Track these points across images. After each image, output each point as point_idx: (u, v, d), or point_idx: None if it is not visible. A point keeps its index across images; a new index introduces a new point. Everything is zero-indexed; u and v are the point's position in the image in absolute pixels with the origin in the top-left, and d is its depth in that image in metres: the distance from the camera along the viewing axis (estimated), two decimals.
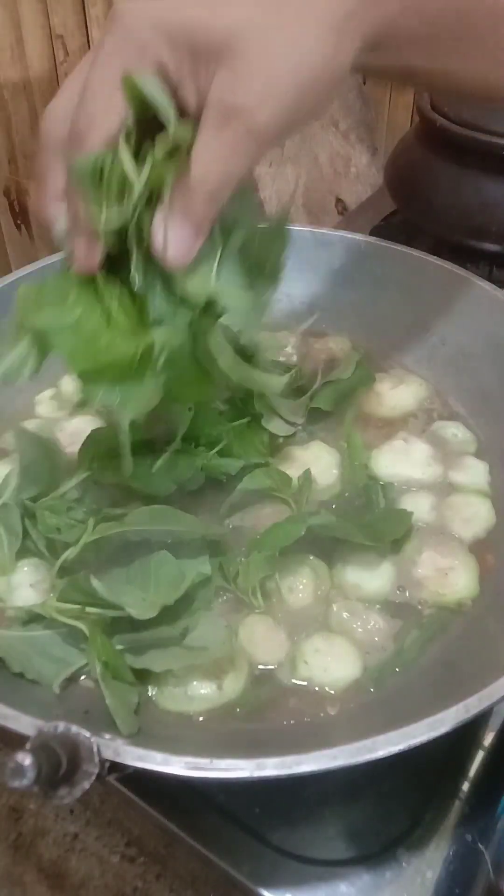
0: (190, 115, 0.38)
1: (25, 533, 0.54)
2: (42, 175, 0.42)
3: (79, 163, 0.38)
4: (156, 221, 0.39)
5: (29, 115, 0.74)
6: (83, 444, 0.57)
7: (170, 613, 0.47)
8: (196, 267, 0.42)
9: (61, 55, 0.75)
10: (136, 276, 0.42)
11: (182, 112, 0.38)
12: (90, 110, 0.38)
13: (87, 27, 0.76)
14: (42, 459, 0.57)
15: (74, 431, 0.63)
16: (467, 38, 0.43)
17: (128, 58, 0.37)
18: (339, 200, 1.12)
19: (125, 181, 0.39)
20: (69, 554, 0.51)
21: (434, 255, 0.71)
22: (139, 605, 0.46)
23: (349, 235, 0.75)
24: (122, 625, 0.46)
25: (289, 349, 0.74)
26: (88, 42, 0.77)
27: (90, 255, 0.42)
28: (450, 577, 0.53)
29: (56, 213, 0.42)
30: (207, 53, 0.36)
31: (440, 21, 0.41)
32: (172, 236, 0.39)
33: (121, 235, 0.41)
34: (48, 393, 0.70)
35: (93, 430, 0.58)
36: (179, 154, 0.38)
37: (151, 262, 0.41)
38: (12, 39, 0.70)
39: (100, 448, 0.57)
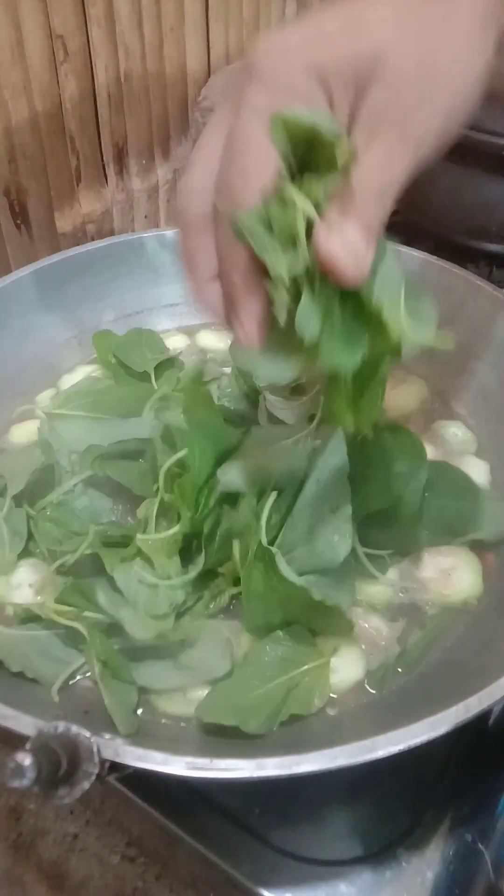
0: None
1: (30, 535, 0.54)
2: (191, 259, 0.40)
3: (245, 216, 0.35)
4: (320, 231, 0.34)
5: (29, 115, 0.74)
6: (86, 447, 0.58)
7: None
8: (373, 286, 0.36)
9: (61, 55, 0.75)
10: (310, 322, 0.36)
11: None
12: (244, 164, 0.35)
13: (87, 27, 0.76)
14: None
15: None
16: None
17: (276, 104, 0.34)
18: None
19: (294, 224, 0.35)
20: (67, 559, 0.51)
21: (434, 255, 0.71)
22: (138, 624, 0.46)
23: None
24: (118, 629, 0.46)
25: None
26: (88, 42, 0.77)
27: (258, 321, 0.37)
28: (453, 578, 0.53)
29: (215, 296, 0.40)
30: (357, 80, 0.34)
31: None
32: (342, 240, 0.34)
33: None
34: (48, 393, 0.70)
35: None
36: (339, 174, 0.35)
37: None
38: (12, 39, 0.69)
39: (101, 449, 0.57)
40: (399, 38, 0.35)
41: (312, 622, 0.48)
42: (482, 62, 0.37)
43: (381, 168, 0.35)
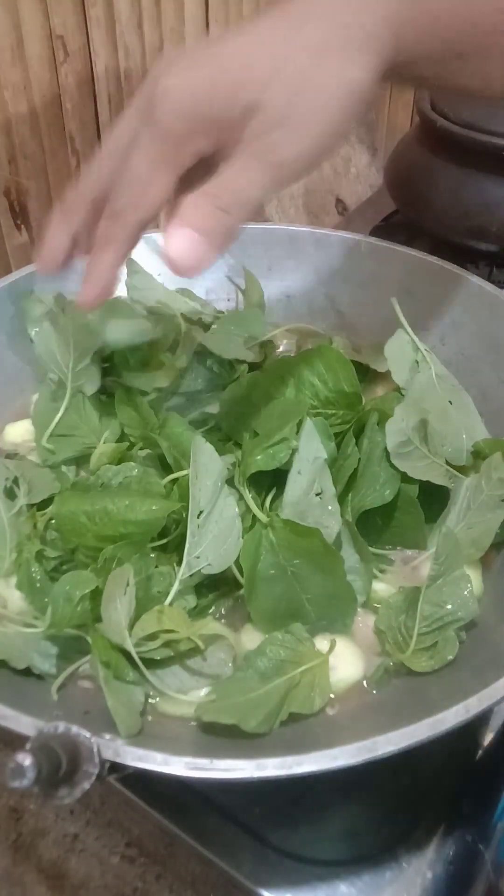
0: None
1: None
2: (67, 210, 0.46)
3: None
4: (170, 225, 0.40)
5: (29, 116, 0.74)
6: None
7: None
8: None
9: (61, 55, 0.75)
10: None
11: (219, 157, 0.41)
12: (133, 192, 0.42)
13: (87, 28, 0.76)
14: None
15: None
16: (481, 50, 0.44)
17: (167, 149, 0.40)
18: (339, 200, 1.12)
19: None
20: (71, 566, 0.51)
21: (434, 255, 0.71)
22: None
23: (349, 235, 0.75)
24: None
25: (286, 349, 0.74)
26: (88, 42, 0.77)
27: (107, 283, 0.45)
28: None
29: (63, 236, 0.47)
30: (242, 117, 0.39)
31: (455, 38, 0.43)
32: (179, 236, 0.39)
33: None
34: None
35: None
36: None
37: None
38: (12, 40, 0.69)
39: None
40: (280, 77, 0.38)
41: (316, 611, 0.48)
42: (356, 90, 0.39)
43: (243, 184, 0.39)
